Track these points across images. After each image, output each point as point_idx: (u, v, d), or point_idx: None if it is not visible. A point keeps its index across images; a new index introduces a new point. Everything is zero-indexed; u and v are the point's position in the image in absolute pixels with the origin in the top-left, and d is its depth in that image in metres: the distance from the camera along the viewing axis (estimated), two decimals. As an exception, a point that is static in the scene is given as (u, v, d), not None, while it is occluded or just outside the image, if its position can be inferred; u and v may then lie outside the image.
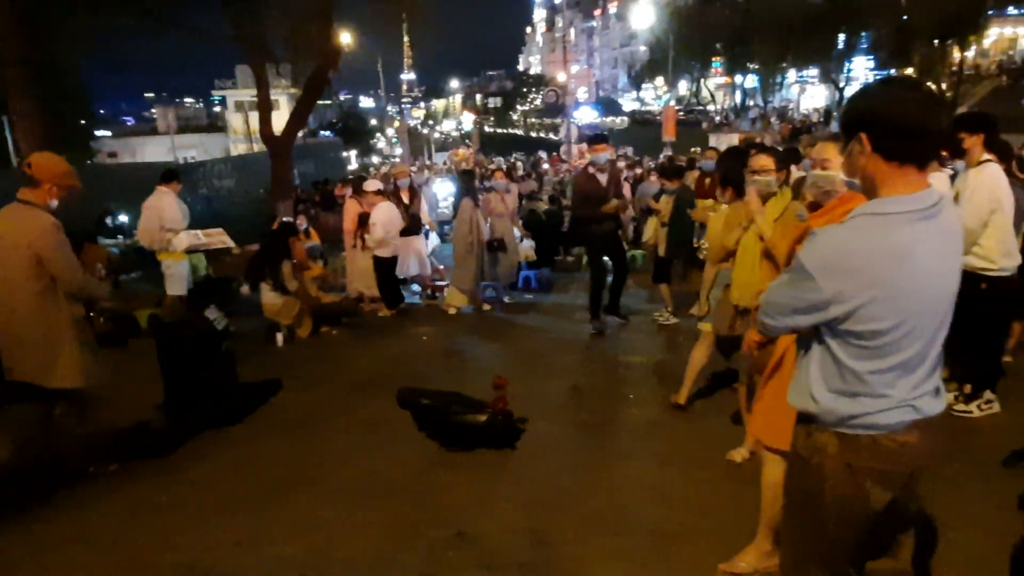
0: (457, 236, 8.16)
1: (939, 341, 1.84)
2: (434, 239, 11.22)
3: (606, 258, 7.09)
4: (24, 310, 3.72)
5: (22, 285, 3.68)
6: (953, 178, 4.81)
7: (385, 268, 7.96)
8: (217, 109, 62.02)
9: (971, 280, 4.18)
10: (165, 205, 6.70)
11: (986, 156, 4.17)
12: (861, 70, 40.21)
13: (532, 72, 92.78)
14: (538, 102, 70.31)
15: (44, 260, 3.66)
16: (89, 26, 10.56)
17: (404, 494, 3.83)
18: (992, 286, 4.18)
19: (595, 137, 7.37)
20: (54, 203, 3.79)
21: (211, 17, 12.97)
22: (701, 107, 52.71)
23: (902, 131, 1.70)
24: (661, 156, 22.44)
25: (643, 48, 61.19)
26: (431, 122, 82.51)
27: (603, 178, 6.69)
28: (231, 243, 6.95)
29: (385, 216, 7.74)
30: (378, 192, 8.03)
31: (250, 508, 3.72)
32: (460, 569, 3.12)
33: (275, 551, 3.31)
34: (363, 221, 8.16)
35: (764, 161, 3.44)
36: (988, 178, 4.12)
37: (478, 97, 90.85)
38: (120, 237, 13.29)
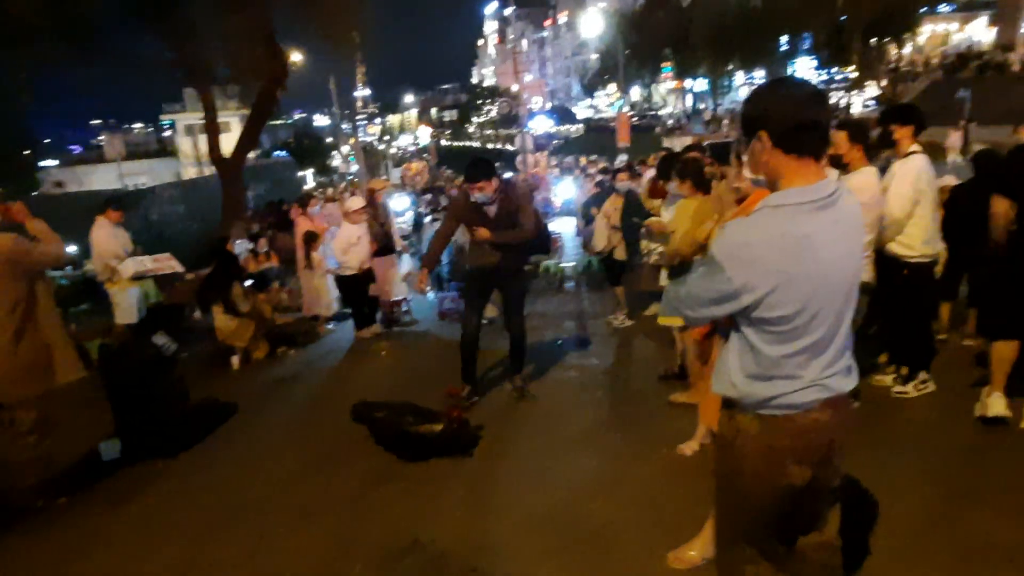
0: None
1: (846, 323, 1.94)
2: (407, 261, 11.00)
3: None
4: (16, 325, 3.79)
5: (10, 302, 3.78)
6: (885, 171, 5.01)
7: (348, 287, 7.76)
8: (168, 134, 60.90)
9: (894, 266, 4.39)
10: (102, 236, 6.64)
11: (913, 148, 4.35)
12: (805, 70, 41.35)
13: (486, 84, 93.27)
14: (494, 113, 70.80)
15: (31, 265, 3.83)
16: (19, 56, 10.31)
17: (357, 507, 3.84)
18: (913, 272, 4.36)
19: (474, 168, 4.88)
20: None
21: (150, 41, 12.76)
22: (654, 112, 53.57)
23: (796, 124, 1.82)
24: (617, 161, 22.81)
25: (594, 56, 62.05)
26: (387, 137, 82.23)
27: (492, 210, 4.95)
28: (180, 267, 6.87)
29: (345, 237, 7.53)
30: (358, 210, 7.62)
31: (197, 535, 3.69)
32: (406, 577, 3.15)
33: (224, 576, 3.29)
34: (310, 239, 8.11)
35: None
36: (912, 169, 4.28)
37: (433, 111, 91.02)
38: (69, 268, 13.01)
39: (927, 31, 39.08)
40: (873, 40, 28.74)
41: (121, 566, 3.45)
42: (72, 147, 71.71)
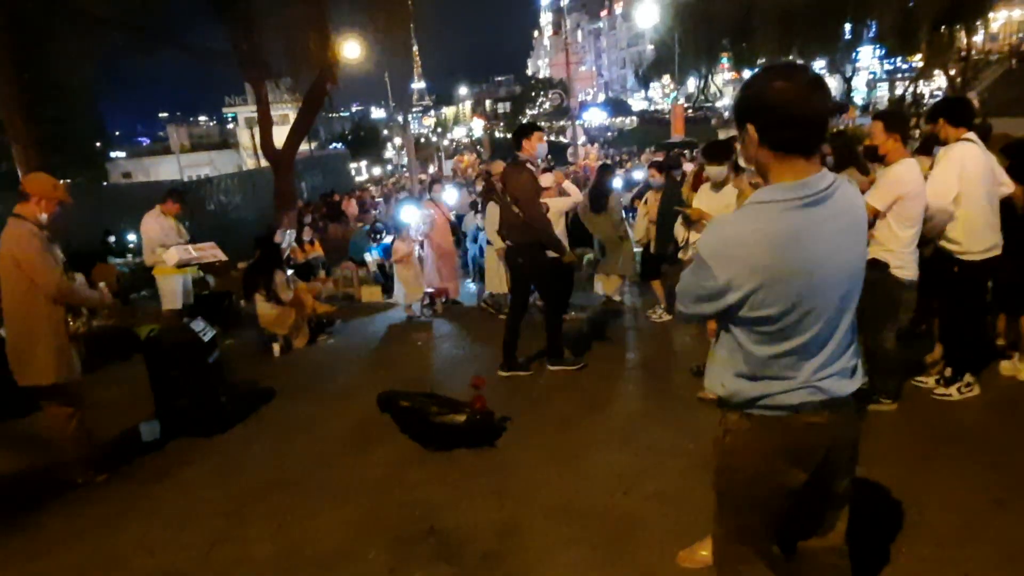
0: (608, 227, 7.65)
1: (844, 322, 1.86)
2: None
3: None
4: (8, 312, 4.00)
5: (12, 289, 3.95)
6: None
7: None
8: (231, 126, 62.83)
9: (944, 263, 4.20)
10: (146, 224, 6.94)
11: (964, 136, 4.13)
12: (868, 59, 39.82)
13: (540, 76, 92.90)
14: (547, 106, 70.50)
15: (19, 263, 3.89)
16: (87, 48, 10.76)
17: (379, 493, 3.91)
18: (963, 269, 4.16)
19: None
20: (44, 216, 4.00)
21: (209, 34, 13.20)
22: (710, 104, 52.51)
23: (782, 121, 1.73)
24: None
25: (650, 47, 61.13)
26: (439, 129, 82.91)
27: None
28: (223, 256, 7.07)
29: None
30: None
31: (228, 511, 3.83)
32: (425, 562, 3.19)
33: (247, 551, 3.41)
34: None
35: None
36: (955, 156, 4.03)
37: (488, 103, 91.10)
38: (130, 256, 13.57)
39: (1001, 17, 36.95)
40: (943, 27, 27.43)
41: (153, 539, 3.61)
42: (141, 139, 74.77)
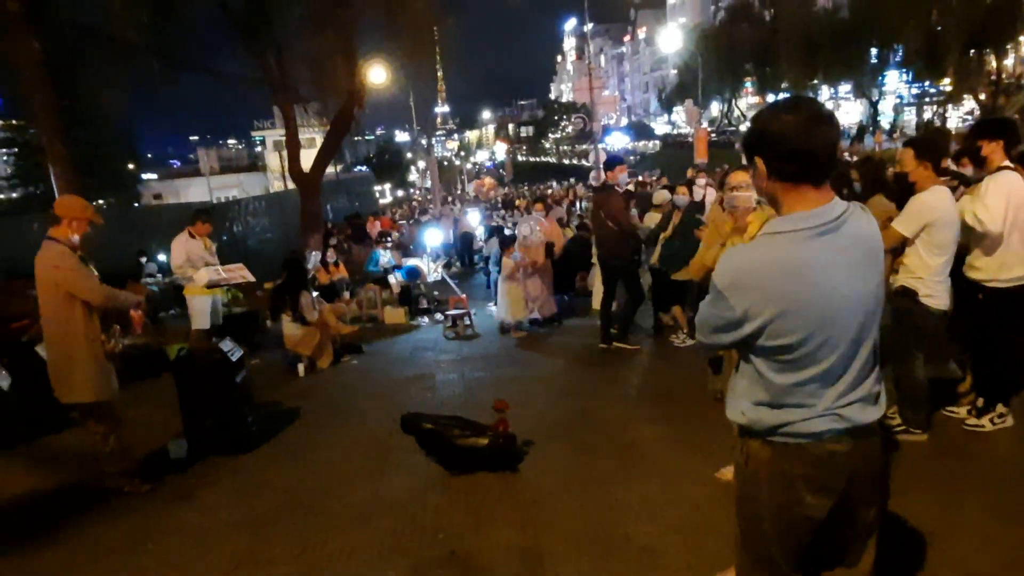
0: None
1: (864, 350, 1.86)
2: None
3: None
4: (48, 333, 4.16)
5: (51, 310, 4.11)
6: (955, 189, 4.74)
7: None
8: (259, 149, 63.96)
9: (972, 291, 4.13)
10: (174, 245, 7.10)
11: (1005, 163, 4.07)
12: (895, 84, 39.54)
13: (563, 100, 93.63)
14: (569, 129, 71.05)
15: (59, 283, 4.03)
16: (120, 74, 11.06)
17: (402, 516, 3.92)
18: (990, 297, 4.09)
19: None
20: (75, 237, 4.16)
21: (240, 59, 13.49)
22: (733, 128, 52.45)
23: (787, 154, 1.76)
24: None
25: (673, 71, 61.40)
26: (463, 153, 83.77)
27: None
28: (251, 277, 7.19)
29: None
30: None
31: (251, 531, 3.86)
32: (445, 587, 3.18)
33: (270, 572, 3.42)
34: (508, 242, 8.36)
35: (741, 176, 3.44)
36: (1004, 183, 3.95)
37: (510, 127, 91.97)
38: (160, 276, 13.83)
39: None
40: (972, 51, 27.19)
41: (177, 558, 3.64)
42: (172, 161, 76.39)
